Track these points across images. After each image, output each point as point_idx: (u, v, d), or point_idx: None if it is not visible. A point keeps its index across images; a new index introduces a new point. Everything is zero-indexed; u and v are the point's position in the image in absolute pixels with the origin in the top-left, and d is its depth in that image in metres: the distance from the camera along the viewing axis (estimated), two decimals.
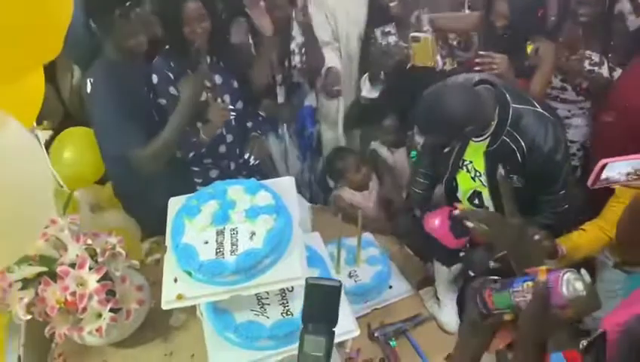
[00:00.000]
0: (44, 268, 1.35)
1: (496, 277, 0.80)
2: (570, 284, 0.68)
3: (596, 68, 2.06)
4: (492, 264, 1.51)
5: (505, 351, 0.81)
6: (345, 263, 1.73)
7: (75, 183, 1.74)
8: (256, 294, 1.26)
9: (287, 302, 1.28)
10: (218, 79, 1.86)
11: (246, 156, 1.99)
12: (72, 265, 1.34)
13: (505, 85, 1.49)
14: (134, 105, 1.66)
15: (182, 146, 1.84)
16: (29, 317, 1.32)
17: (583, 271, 0.71)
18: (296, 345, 0.82)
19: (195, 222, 1.24)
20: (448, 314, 1.58)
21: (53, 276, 1.33)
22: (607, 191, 1.29)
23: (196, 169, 1.98)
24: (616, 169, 1.16)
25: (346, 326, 1.24)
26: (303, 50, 2.17)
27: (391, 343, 1.50)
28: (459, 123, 1.38)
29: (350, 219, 1.71)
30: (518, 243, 0.98)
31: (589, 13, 1.97)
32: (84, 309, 1.31)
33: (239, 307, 1.25)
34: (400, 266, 1.81)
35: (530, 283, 0.71)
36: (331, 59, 2.16)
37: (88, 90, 1.64)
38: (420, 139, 2.05)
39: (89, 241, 1.40)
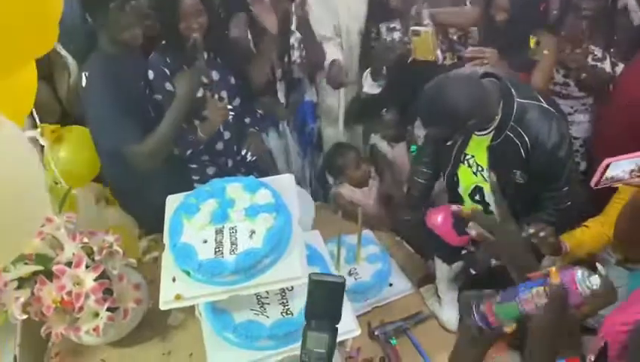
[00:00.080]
0: (40, 267, 1.33)
1: (490, 290, 0.79)
2: (586, 280, 0.67)
3: (599, 63, 2.04)
4: (494, 262, 1.50)
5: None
6: (345, 261, 1.72)
7: (72, 182, 1.72)
8: (255, 293, 1.24)
9: (287, 302, 1.26)
10: (215, 75, 1.83)
11: (243, 152, 1.97)
12: (69, 264, 1.33)
13: (510, 79, 1.47)
14: (130, 100, 1.64)
15: (179, 144, 1.82)
16: (24, 316, 1.31)
17: (598, 265, 0.70)
18: (297, 345, 0.82)
19: (193, 221, 1.22)
20: (449, 312, 1.58)
21: (50, 275, 1.31)
22: (610, 188, 1.28)
23: (193, 166, 1.97)
24: (620, 167, 1.15)
25: (347, 326, 1.22)
26: (302, 45, 2.14)
27: (391, 341, 1.49)
28: (462, 115, 1.36)
29: (350, 216, 1.69)
30: (520, 252, 0.97)
31: (593, 7, 1.95)
32: (81, 308, 1.30)
33: (238, 306, 1.23)
34: (400, 264, 1.80)
35: (540, 289, 0.69)
36: (333, 54, 2.14)
37: (84, 84, 1.62)
38: (420, 133, 2.04)
39: (85, 240, 1.39)
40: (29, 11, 0.78)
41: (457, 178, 1.66)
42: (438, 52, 2.05)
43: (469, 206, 1.61)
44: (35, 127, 1.68)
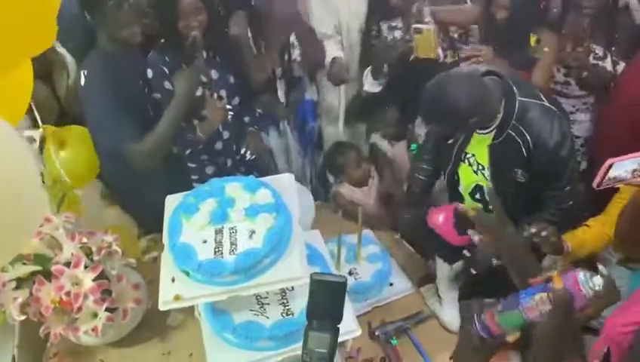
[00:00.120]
0: (39, 268, 1.32)
1: (491, 300, 0.78)
2: (589, 281, 0.66)
3: (600, 62, 2.03)
4: (495, 262, 1.50)
5: None
6: (345, 261, 1.71)
7: (72, 182, 1.71)
8: (255, 294, 1.23)
9: (288, 302, 1.25)
10: (214, 74, 1.82)
11: (242, 151, 1.96)
12: (67, 264, 1.32)
13: (512, 77, 1.46)
14: (129, 99, 1.64)
15: (178, 143, 1.81)
16: (23, 317, 1.30)
17: (599, 264, 0.69)
18: (297, 345, 0.82)
19: (192, 221, 1.21)
20: (450, 312, 1.57)
21: (48, 275, 1.31)
22: (611, 188, 1.28)
23: (192, 165, 1.96)
24: (622, 167, 1.15)
25: (347, 326, 1.21)
26: (302, 43, 2.13)
27: (392, 342, 1.48)
28: (463, 113, 1.35)
29: (350, 215, 1.69)
30: (520, 252, 0.97)
31: (594, 6, 1.94)
32: (80, 309, 1.29)
33: (238, 307, 1.22)
34: (401, 263, 1.79)
35: (544, 295, 0.68)
36: (334, 52, 2.13)
37: (82, 82, 1.61)
38: (421, 131, 2.03)
39: (84, 240, 1.38)
40: (26, 8, 0.77)
41: (458, 177, 1.65)
42: (440, 50, 2.05)
43: (469, 204, 1.60)
44: (36, 127, 1.68)
